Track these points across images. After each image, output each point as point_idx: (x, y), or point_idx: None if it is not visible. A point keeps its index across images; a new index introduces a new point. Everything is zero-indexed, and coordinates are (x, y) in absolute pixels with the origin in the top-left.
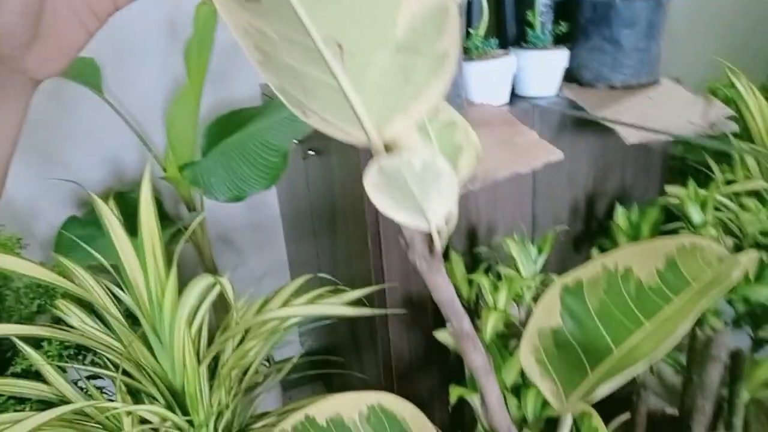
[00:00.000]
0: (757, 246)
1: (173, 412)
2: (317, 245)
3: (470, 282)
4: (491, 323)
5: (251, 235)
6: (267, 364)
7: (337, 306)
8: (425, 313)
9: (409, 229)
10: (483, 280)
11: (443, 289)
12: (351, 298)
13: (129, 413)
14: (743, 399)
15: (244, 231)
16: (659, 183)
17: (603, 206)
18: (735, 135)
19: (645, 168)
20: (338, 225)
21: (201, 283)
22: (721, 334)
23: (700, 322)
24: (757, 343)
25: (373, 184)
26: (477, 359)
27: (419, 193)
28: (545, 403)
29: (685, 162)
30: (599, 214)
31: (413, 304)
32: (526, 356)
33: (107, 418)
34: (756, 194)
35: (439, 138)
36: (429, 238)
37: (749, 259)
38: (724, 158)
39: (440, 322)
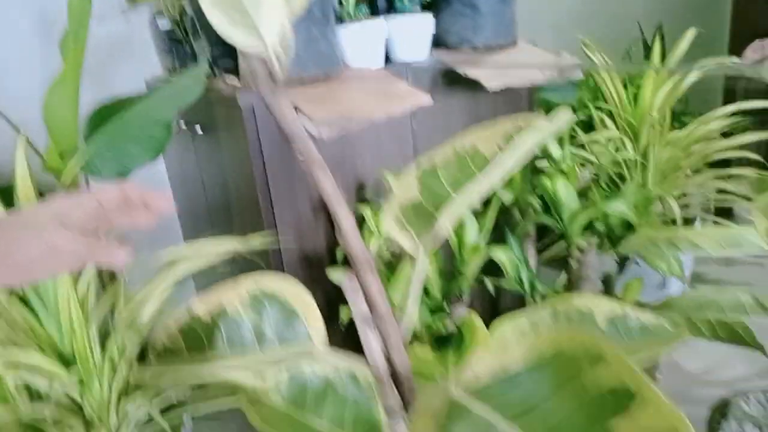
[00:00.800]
0: (609, 177)
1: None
2: (213, 227)
3: (361, 228)
4: (373, 246)
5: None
6: None
7: (228, 242)
8: (321, 266)
9: (250, 58)
10: (365, 209)
11: (288, 116)
12: (245, 246)
13: (11, 370)
14: None
15: None
16: None
17: None
18: (597, 107)
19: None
20: (231, 201)
21: None
22: (589, 253)
23: (569, 248)
24: (621, 265)
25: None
26: (326, 183)
27: (251, 6)
28: (433, 314)
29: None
30: None
31: (311, 265)
32: (389, 223)
33: None
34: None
35: None
36: (270, 67)
37: (565, 115)
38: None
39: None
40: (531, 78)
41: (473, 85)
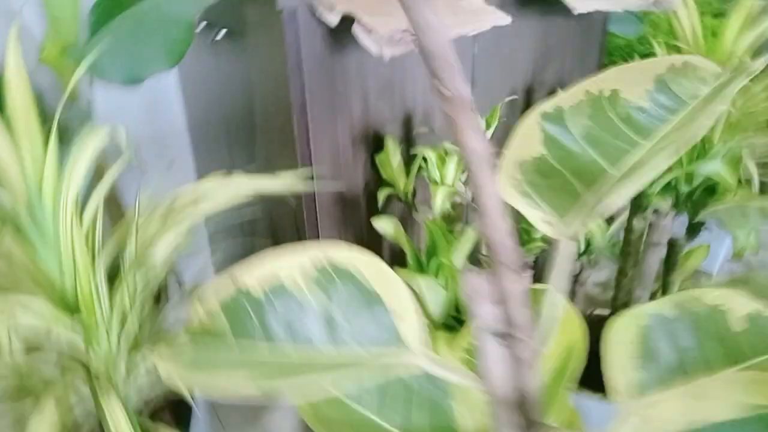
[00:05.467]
0: None
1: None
2: (231, 151)
3: (407, 171)
4: (440, 198)
5: (151, 147)
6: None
7: (255, 179)
8: (358, 209)
9: None
10: (429, 153)
11: (432, 24)
12: (273, 184)
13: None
14: (675, 290)
15: (143, 143)
16: (596, 69)
17: (542, 93)
18: (666, 42)
19: (582, 54)
20: (256, 124)
21: (88, 142)
22: (665, 218)
23: (639, 209)
24: (692, 230)
25: None
26: (472, 137)
27: None
28: None
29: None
30: (539, 99)
31: (345, 202)
32: (507, 191)
33: None
34: None
35: None
36: None
37: (762, 61)
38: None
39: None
40: (624, 3)
41: (548, 8)
